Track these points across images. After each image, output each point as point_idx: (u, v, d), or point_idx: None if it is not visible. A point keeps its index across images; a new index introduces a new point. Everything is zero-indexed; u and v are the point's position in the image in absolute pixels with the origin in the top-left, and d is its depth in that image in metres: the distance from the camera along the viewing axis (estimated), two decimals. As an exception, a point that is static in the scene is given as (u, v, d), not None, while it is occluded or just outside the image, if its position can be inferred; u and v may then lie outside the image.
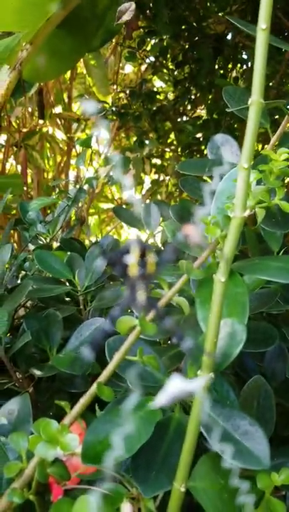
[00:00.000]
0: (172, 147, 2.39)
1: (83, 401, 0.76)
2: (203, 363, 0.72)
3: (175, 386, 0.50)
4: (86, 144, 1.20)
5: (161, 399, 0.51)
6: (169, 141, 2.39)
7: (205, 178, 1.20)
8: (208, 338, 0.73)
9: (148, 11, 2.02)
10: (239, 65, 2.51)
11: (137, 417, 0.76)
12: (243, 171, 0.74)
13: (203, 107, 2.39)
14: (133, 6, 1.20)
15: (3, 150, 2.41)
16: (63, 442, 0.66)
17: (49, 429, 0.67)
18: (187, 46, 2.12)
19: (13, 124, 2.43)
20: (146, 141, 2.24)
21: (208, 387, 0.76)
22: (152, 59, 2.31)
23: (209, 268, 0.85)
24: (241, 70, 2.53)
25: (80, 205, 1.53)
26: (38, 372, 1.01)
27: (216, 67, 2.23)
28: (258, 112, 0.71)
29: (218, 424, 0.79)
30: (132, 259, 0.52)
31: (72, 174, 2.61)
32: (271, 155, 0.82)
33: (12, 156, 2.53)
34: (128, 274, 0.53)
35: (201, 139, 2.26)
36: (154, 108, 2.29)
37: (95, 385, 0.77)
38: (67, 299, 1.30)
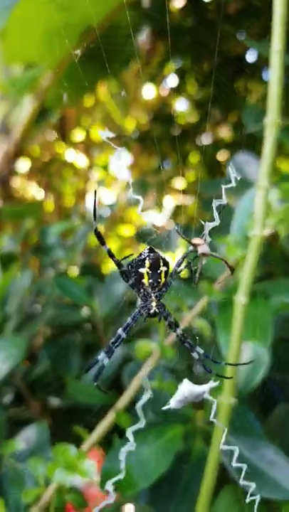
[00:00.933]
0: (194, 169, 2.39)
1: (101, 428, 0.74)
2: (224, 389, 0.70)
3: (185, 389, 0.53)
4: (105, 168, 1.21)
5: (173, 402, 0.54)
6: (190, 162, 2.39)
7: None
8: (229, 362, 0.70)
9: (168, 37, 2.06)
10: (261, 86, 2.50)
11: (156, 445, 0.73)
12: (261, 189, 0.73)
13: (225, 128, 2.39)
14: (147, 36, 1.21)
15: (25, 176, 2.46)
16: (81, 468, 0.64)
17: (67, 454, 0.65)
18: (207, 69, 2.14)
19: (36, 151, 2.49)
20: (167, 164, 2.25)
21: (231, 415, 0.73)
22: (173, 83, 2.34)
23: (231, 290, 0.82)
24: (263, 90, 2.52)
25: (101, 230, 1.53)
26: (56, 402, 0.99)
27: (238, 88, 2.24)
28: (274, 132, 0.70)
29: (242, 453, 0.75)
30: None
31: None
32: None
33: (35, 183, 2.58)
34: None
35: (223, 160, 2.26)
36: (175, 131, 2.30)
37: (112, 412, 0.75)
38: (87, 325, 1.28)
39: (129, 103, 2.37)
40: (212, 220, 0.59)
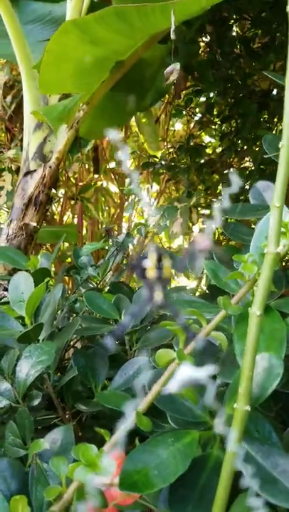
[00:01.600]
0: (220, 197, 2.46)
1: (122, 430, 0.78)
2: (239, 396, 0.73)
3: (184, 373, 0.53)
4: (133, 191, 1.28)
5: (172, 385, 0.54)
6: (217, 191, 2.48)
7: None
8: (243, 372, 0.74)
9: (195, 72, 2.18)
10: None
11: (174, 448, 0.77)
12: (275, 209, 0.78)
13: (249, 158, 2.47)
14: (178, 66, 1.30)
15: (61, 202, 2.59)
16: (100, 467, 0.69)
17: (88, 453, 0.70)
18: (233, 102, 2.24)
19: (71, 178, 2.63)
20: (194, 192, 2.34)
21: (248, 426, 0.76)
22: (200, 115, 2.46)
23: (248, 305, 0.87)
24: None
25: (130, 252, 1.60)
26: (83, 408, 1.04)
27: (262, 120, 2.32)
28: (286, 155, 0.76)
29: (256, 461, 0.78)
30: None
31: (125, 225, 2.75)
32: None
33: (69, 209, 2.71)
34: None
35: (248, 188, 2.31)
36: (202, 161, 2.41)
37: (134, 416, 0.80)
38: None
39: (160, 134, 2.49)
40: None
